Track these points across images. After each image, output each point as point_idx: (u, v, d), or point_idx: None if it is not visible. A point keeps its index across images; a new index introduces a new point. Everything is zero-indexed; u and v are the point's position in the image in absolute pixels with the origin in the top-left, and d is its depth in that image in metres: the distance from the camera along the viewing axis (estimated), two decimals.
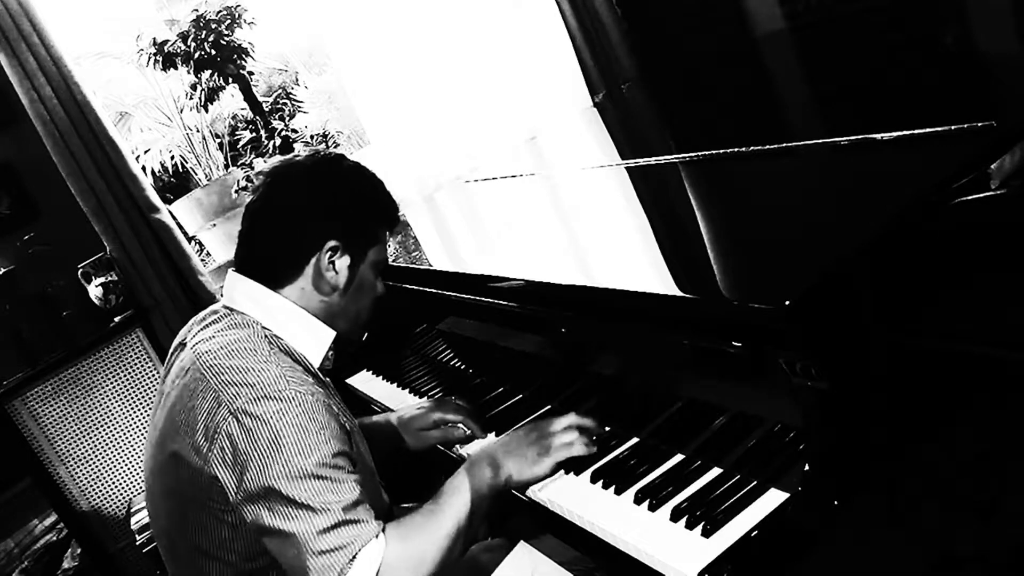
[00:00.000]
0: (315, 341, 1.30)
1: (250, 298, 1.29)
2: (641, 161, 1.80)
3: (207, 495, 1.16)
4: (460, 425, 1.54)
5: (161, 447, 1.24)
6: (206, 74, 2.63)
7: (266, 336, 1.24)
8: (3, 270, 2.68)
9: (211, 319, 1.30)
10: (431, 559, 1.15)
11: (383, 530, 1.13)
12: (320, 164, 1.35)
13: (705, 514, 1.02)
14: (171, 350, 1.35)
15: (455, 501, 1.21)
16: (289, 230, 1.29)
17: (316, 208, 1.30)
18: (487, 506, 1.24)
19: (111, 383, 2.77)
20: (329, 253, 1.29)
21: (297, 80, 4.08)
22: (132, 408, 2.82)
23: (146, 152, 3.96)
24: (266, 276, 1.29)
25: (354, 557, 1.08)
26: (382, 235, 1.37)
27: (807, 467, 0.95)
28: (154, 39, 2.62)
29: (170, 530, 1.28)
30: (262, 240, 1.31)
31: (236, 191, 3.03)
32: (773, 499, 1.00)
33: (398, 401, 1.85)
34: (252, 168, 2.83)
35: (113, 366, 2.78)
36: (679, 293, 1.15)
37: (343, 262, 1.30)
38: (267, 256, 1.31)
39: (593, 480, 1.21)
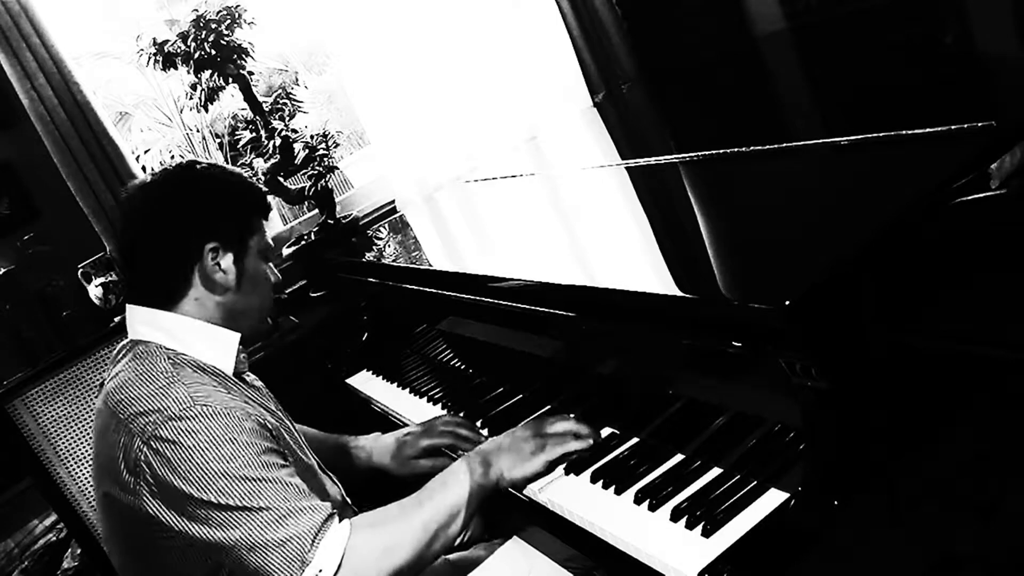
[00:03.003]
0: (221, 349, 1.31)
1: (148, 324, 1.29)
2: (641, 161, 1.80)
3: (148, 527, 1.15)
4: (449, 452, 1.54)
5: (97, 489, 1.26)
6: (206, 74, 2.61)
7: (169, 358, 1.24)
8: (3, 270, 2.68)
9: (119, 355, 1.31)
10: (402, 550, 1.14)
11: (351, 518, 1.14)
12: (172, 175, 1.35)
13: (705, 514, 1.02)
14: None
15: (436, 496, 1.21)
16: (165, 248, 1.30)
17: (183, 218, 1.30)
18: (475, 505, 1.23)
19: None
20: (211, 256, 1.29)
21: (297, 80, 4.07)
22: None
23: (146, 152, 3.97)
24: (158, 298, 1.30)
25: (315, 543, 1.08)
26: (256, 223, 1.37)
27: (807, 467, 0.95)
28: (154, 39, 2.61)
29: (126, 566, 1.29)
30: (143, 266, 1.32)
31: None
32: (773, 499, 1.00)
33: (398, 401, 1.86)
34: (252, 168, 2.82)
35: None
36: (679, 293, 1.15)
37: (227, 260, 1.30)
38: (153, 279, 1.31)
39: (593, 480, 1.21)
